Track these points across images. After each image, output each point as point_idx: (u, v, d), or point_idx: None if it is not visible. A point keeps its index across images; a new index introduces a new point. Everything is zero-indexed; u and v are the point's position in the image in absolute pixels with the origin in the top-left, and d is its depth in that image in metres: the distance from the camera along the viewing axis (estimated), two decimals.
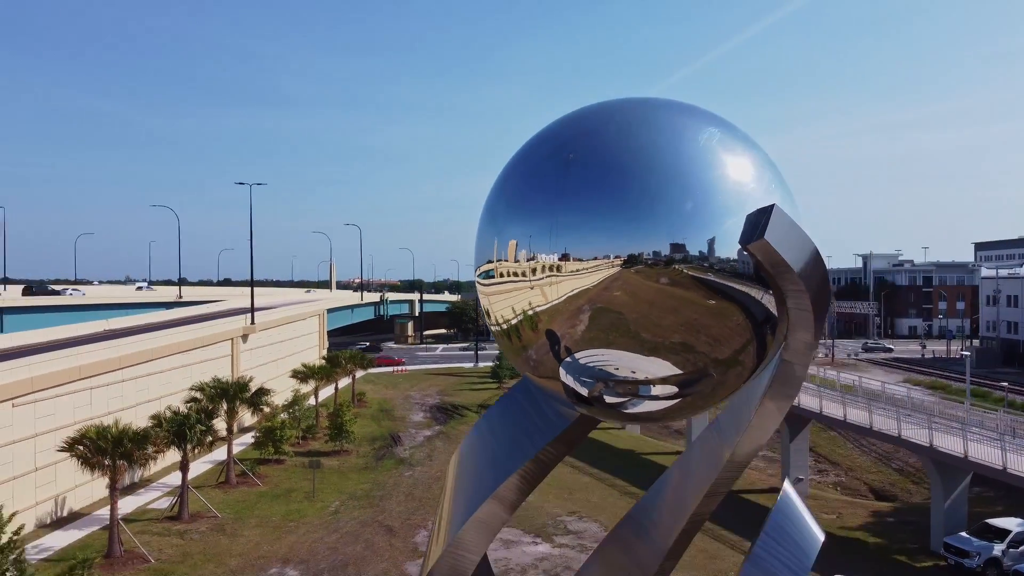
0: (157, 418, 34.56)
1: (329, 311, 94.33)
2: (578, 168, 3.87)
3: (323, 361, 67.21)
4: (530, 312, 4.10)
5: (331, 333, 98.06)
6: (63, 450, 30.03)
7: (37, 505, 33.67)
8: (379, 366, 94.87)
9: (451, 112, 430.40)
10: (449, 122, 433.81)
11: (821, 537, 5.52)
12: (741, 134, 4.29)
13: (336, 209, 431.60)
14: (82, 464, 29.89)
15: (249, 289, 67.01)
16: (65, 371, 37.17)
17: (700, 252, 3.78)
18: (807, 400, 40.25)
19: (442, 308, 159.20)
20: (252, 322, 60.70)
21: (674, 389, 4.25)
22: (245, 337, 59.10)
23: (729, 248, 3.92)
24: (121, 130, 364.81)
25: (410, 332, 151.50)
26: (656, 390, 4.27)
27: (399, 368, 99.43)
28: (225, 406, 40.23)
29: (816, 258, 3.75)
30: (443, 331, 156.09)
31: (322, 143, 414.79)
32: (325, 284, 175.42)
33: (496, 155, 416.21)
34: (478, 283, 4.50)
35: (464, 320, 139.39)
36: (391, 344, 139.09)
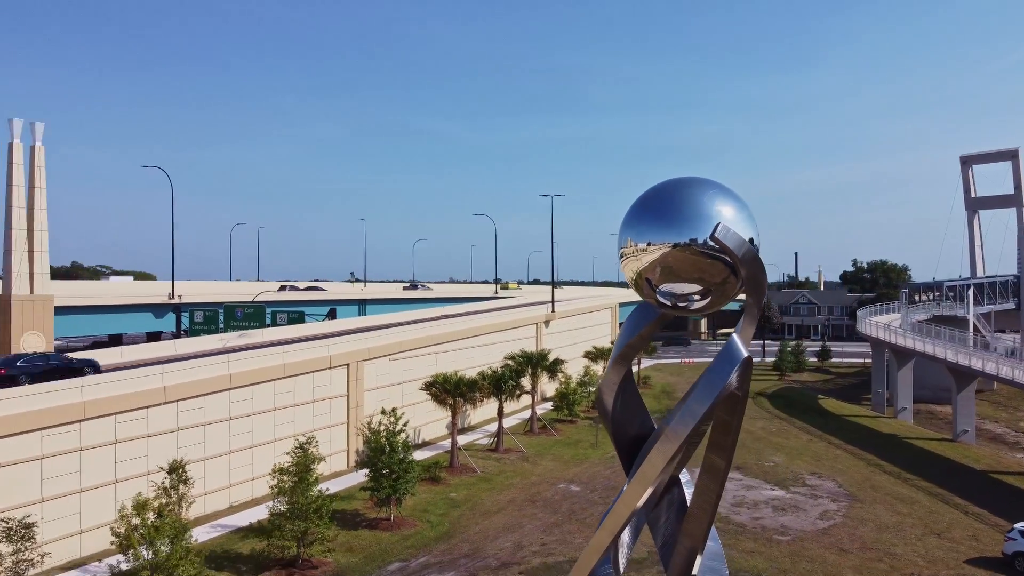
0: (482, 374, 46.58)
1: (621, 305, 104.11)
2: (649, 207, 8.35)
3: (612, 346, 76.88)
4: (638, 270, 8.29)
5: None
6: (423, 389, 42.97)
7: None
8: None
9: (758, 105, 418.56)
10: (757, 115, 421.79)
11: (745, 354, 8.57)
12: (729, 191, 8.40)
13: None
14: (435, 401, 42.55)
15: (551, 288, 79.25)
16: (418, 339, 51.02)
17: (704, 241, 7.71)
18: None
19: (735, 306, 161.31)
20: (552, 311, 72.61)
21: (699, 297, 8.43)
22: (547, 322, 71.07)
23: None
24: (449, 147, 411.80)
25: (703, 329, 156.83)
26: (695, 298, 8.48)
27: (687, 360, 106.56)
28: (530, 370, 51.65)
29: (747, 246, 7.91)
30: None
31: (623, 146, 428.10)
32: (624, 284, 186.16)
33: (801, 149, 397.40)
34: (620, 260, 8.56)
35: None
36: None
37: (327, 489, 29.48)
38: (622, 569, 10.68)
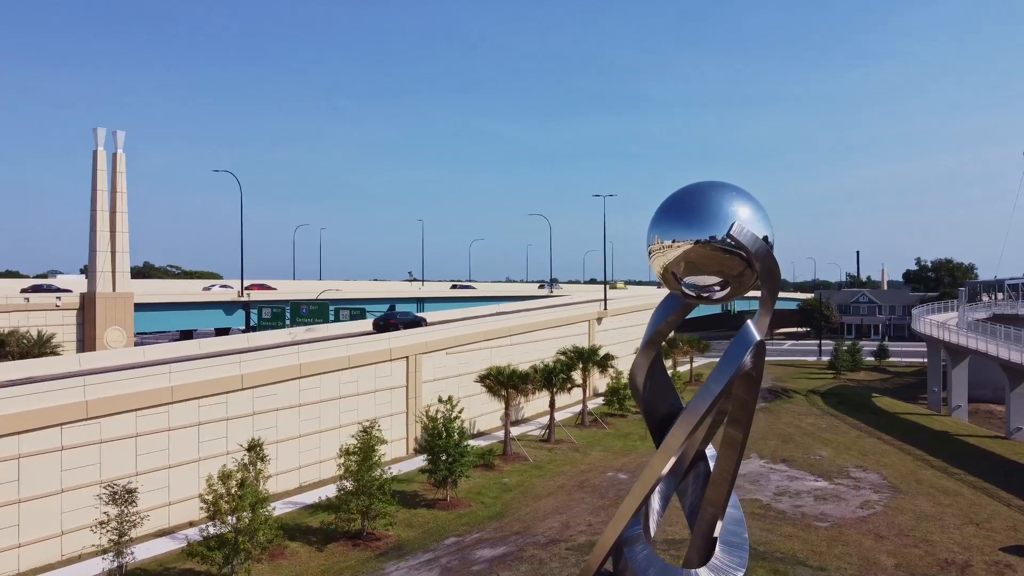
0: (534, 368, 48.63)
1: None
2: (674, 209, 9.15)
3: (664, 343, 78.01)
4: (664, 264, 9.02)
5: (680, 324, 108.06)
6: (478, 381, 45.21)
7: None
8: None
9: (820, 102, 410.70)
10: (818, 112, 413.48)
11: (758, 338, 9.69)
12: (746, 194, 9.13)
13: None
14: (489, 392, 44.74)
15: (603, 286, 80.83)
16: (474, 334, 53.32)
17: (721, 238, 8.41)
18: None
19: (793, 306, 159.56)
20: (605, 308, 74.25)
21: (720, 288, 9.16)
22: (599, 320, 72.74)
23: None
24: (505, 147, 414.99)
25: None
26: (716, 288, 9.21)
27: None
28: (581, 365, 53.47)
29: (761, 243, 8.64)
30: (795, 328, 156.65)
31: (680, 144, 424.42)
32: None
33: (864, 146, 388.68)
34: (648, 256, 9.31)
35: (815, 317, 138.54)
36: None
37: (389, 470, 31.86)
38: (652, 533, 11.78)
